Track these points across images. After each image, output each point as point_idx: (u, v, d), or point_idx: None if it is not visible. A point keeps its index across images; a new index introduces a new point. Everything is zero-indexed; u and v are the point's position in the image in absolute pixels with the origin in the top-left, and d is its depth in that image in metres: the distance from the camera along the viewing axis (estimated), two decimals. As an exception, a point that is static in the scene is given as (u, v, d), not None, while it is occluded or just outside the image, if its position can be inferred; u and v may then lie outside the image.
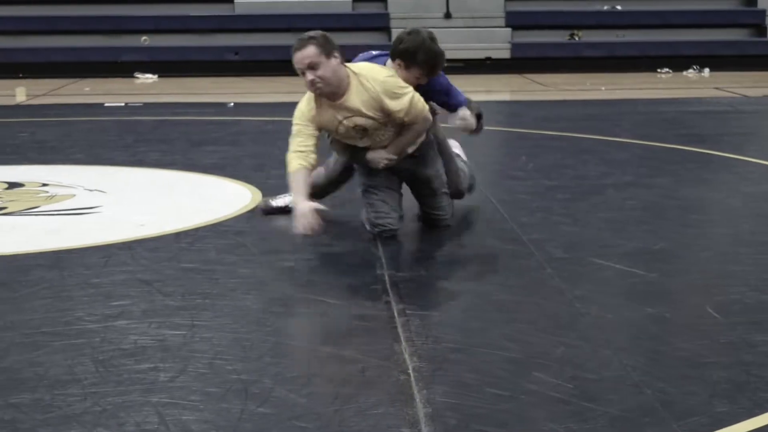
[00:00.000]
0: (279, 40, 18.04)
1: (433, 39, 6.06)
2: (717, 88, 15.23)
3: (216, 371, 3.98)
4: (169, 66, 17.51)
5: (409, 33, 6.01)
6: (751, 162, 8.67)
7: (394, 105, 5.73)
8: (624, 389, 3.83)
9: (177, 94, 14.99)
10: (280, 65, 17.50)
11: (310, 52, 5.58)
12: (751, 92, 14.57)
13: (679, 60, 18.06)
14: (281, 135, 10.41)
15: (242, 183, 7.78)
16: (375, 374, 4.04)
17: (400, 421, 3.53)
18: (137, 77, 17.25)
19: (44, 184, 7.79)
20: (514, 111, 13.18)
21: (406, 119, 5.79)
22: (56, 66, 17.37)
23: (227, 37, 18.31)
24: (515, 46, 18.39)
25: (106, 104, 13.29)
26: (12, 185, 7.80)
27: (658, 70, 17.90)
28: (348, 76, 5.72)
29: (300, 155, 5.80)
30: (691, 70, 17.86)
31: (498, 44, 18.45)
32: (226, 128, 11.06)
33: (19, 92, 14.40)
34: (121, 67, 17.45)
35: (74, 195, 7.41)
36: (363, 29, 18.64)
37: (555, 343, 4.29)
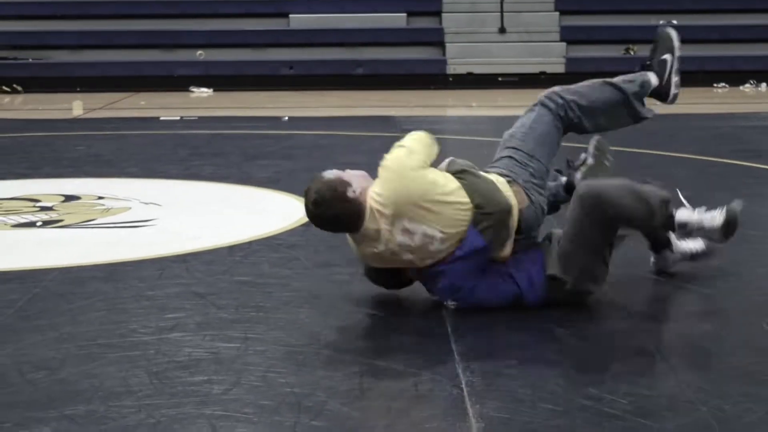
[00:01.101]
0: (333, 54, 18.12)
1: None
2: (775, 103, 15.09)
3: (269, 384, 4.00)
4: (223, 80, 17.62)
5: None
6: (810, 177, 8.58)
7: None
8: (679, 405, 3.80)
9: (231, 108, 15.06)
10: (333, 80, 17.64)
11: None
12: (810, 107, 14.43)
13: (735, 75, 17.90)
14: (335, 149, 10.49)
15: (296, 197, 7.80)
16: (428, 388, 4.03)
17: (453, 436, 3.53)
18: (192, 91, 17.37)
19: (100, 197, 7.86)
20: (569, 125, 13.12)
21: None
22: (112, 80, 17.53)
23: (282, 52, 18.39)
24: (570, 61, 18.32)
25: (162, 118, 13.39)
26: (68, 198, 7.88)
27: (715, 85, 17.76)
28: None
29: None
30: (748, 85, 17.70)
31: (553, 59, 18.39)
32: (280, 142, 11.10)
33: (76, 106, 14.55)
34: (177, 81, 17.57)
35: (129, 208, 7.47)
36: (417, 44, 18.65)
37: (610, 358, 4.27)
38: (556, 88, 5.16)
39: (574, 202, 4.65)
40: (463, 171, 4.73)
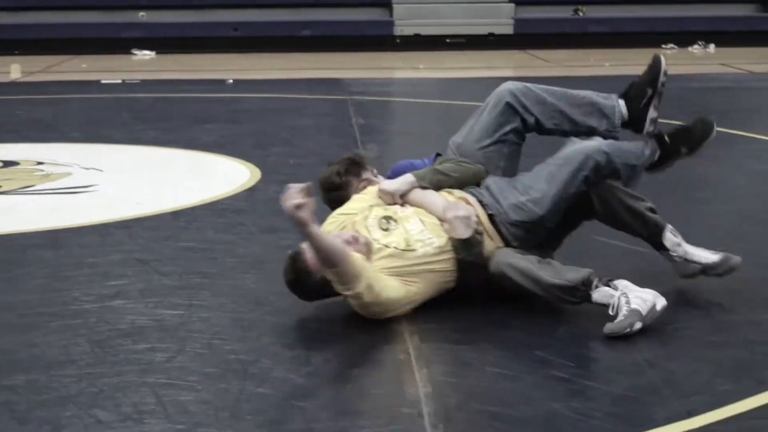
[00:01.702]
0: (279, 16, 17.99)
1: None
2: (722, 64, 15.19)
3: (214, 351, 3.98)
4: (167, 42, 17.44)
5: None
6: (757, 139, 8.66)
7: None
8: (627, 368, 3.83)
9: (175, 71, 14.94)
10: (279, 42, 17.53)
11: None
12: (757, 68, 14.53)
13: (684, 36, 17.98)
14: (281, 113, 10.45)
15: (242, 161, 7.77)
16: (375, 353, 4.05)
17: (400, 401, 3.53)
18: (135, 54, 17.20)
19: (40, 163, 7.78)
20: (517, 87, 13.14)
21: None
22: (52, 42, 17.30)
23: (226, 13, 18.24)
24: (518, 22, 18.32)
25: (103, 81, 13.25)
26: (7, 164, 7.79)
27: (663, 46, 17.83)
28: None
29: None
30: (696, 46, 17.80)
31: (501, 20, 18.37)
32: (226, 105, 11.03)
33: (14, 69, 14.35)
34: (119, 44, 17.39)
35: (70, 173, 7.40)
36: (364, 5, 18.57)
37: (557, 321, 4.29)
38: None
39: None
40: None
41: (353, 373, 3.81)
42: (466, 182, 4.70)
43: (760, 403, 3.50)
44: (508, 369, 3.84)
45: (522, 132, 4.86)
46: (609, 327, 4.06)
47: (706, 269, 4.53)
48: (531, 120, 4.82)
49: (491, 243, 4.50)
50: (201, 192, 6.75)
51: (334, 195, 4.87)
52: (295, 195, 3.98)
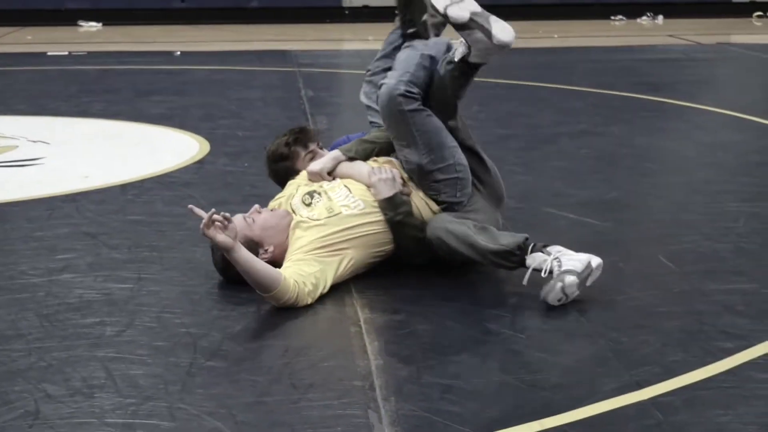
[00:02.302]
0: (226, -13, 17.89)
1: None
2: (671, 36, 15.28)
3: (164, 325, 3.97)
4: (113, 14, 17.31)
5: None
6: (705, 110, 8.72)
7: None
8: (577, 339, 3.86)
9: (122, 42, 14.83)
10: (227, 13, 17.43)
11: None
12: (705, 39, 14.63)
13: (632, 7, 18.08)
14: (229, 84, 10.40)
15: (190, 133, 7.73)
16: (326, 326, 4.05)
17: (351, 374, 3.54)
18: (81, 25, 17.04)
19: (-15, 136, 7.70)
20: (467, 59, 13.16)
21: None
22: (-3, 14, 17.12)
23: (173, -16, 18.12)
24: (468, -7, 18.30)
25: (49, 53, 13.13)
26: (-48, 137, 7.71)
27: (612, 17, 17.92)
28: None
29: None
30: (645, 17, 17.90)
31: (450, -9, 18.34)
32: (173, 78, 10.97)
33: (-42, 41, 14.20)
34: (65, 15, 17.23)
35: (16, 146, 7.34)
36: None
37: (507, 293, 4.31)
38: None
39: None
40: None
41: (304, 346, 3.81)
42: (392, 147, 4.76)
43: (709, 374, 3.54)
44: (458, 341, 3.85)
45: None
46: (543, 290, 4.08)
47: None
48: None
49: (421, 203, 4.57)
50: (149, 165, 6.71)
51: (281, 166, 4.90)
52: (212, 220, 3.98)
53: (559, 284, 4.07)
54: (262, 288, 4.07)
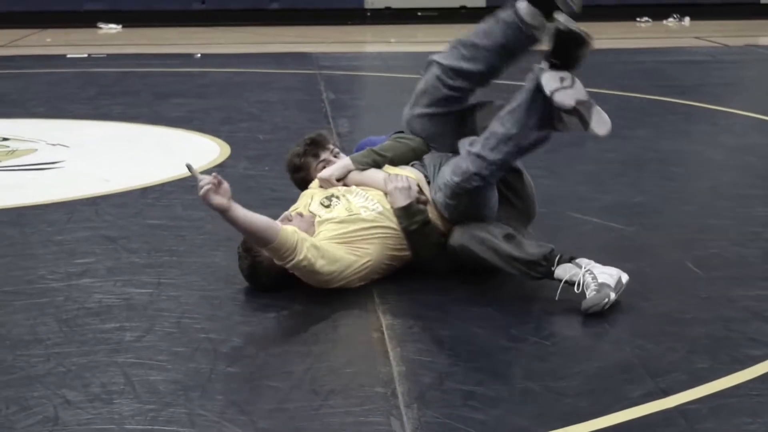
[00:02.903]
0: (247, -12, 17.92)
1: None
2: (697, 38, 15.23)
3: (184, 330, 3.98)
4: (133, 16, 17.36)
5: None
6: (732, 113, 8.69)
7: None
8: (602, 346, 3.85)
9: (142, 45, 14.87)
10: (247, 14, 17.46)
11: None
12: (732, 41, 14.58)
13: (659, 9, 18.03)
14: (249, 87, 10.41)
15: (210, 137, 7.75)
16: (348, 332, 4.05)
17: (373, 380, 3.54)
18: (100, 27, 17.11)
19: (4, 139, 7.73)
20: (490, 61, 13.16)
21: None
22: (16, 16, 17.18)
23: (193, -14, 18.17)
24: (491, -5, 18.32)
25: (69, 56, 13.18)
26: (-29, 140, 7.75)
27: (638, 19, 17.88)
28: None
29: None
30: (671, 19, 17.84)
31: (473, -8, 18.36)
32: (193, 80, 10.99)
33: (-22, 43, 14.27)
34: (84, 17, 17.29)
35: (36, 150, 7.36)
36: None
37: (531, 299, 4.31)
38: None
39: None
40: None
41: (325, 352, 3.81)
42: (405, 158, 4.77)
43: (736, 382, 3.53)
44: (481, 347, 3.85)
45: (450, 99, 4.73)
46: (586, 303, 4.07)
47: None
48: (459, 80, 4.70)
49: (435, 214, 4.55)
50: (169, 168, 6.72)
51: (297, 176, 4.98)
52: (206, 182, 4.02)
53: (605, 301, 4.05)
54: (262, 241, 4.10)
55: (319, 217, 4.46)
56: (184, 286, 4.48)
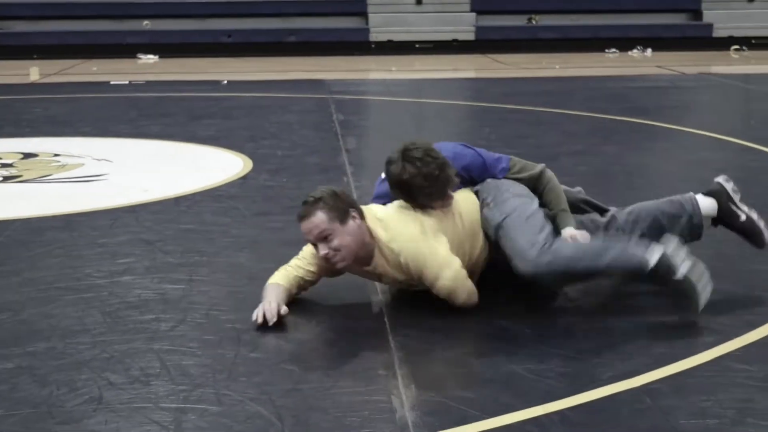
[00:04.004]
0: (268, 24, 17.94)
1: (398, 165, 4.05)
2: (658, 66, 15.22)
3: (212, 321, 3.97)
4: (169, 47, 17.39)
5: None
6: (688, 132, 8.68)
7: (430, 276, 3.95)
8: (576, 334, 3.84)
9: (176, 72, 14.88)
10: (269, 47, 17.49)
11: (318, 220, 3.88)
12: (689, 70, 14.57)
13: (625, 41, 18.04)
14: (271, 109, 10.41)
15: (235, 152, 7.74)
16: (355, 324, 4.03)
17: (376, 364, 3.53)
18: (140, 58, 17.12)
19: (56, 155, 7.73)
20: (479, 87, 13.16)
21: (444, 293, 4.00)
22: (67, 48, 17.21)
23: (222, 22, 18.18)
24: (479, 29, 18.33)
25: (112, 82, 13.19)
26: (27, 155, 7.74)
27: (606, 50, 17.87)
28: (371, 237, 3.99)
29: (285, 271, 4.16)
30: (635, 50, 17.84)
31: (464, 27, 18.38)
32: (221, 103, 10.99)
33: (33, 72, 14.27)
34: (126, 49, 17.31)
35: (83, 164, 7.36)
36: (343, 14, 18.53)
37: (516, 295, 4.29)
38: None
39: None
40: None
41: (335, 339, 3.80)
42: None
43: (693, 364, 3.51)
44: (472, 335, 3.84)
45: None
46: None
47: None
48: None
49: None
50: (200, 180, 6.72)
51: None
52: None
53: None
54: None
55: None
56: (213, 283, 4.47)
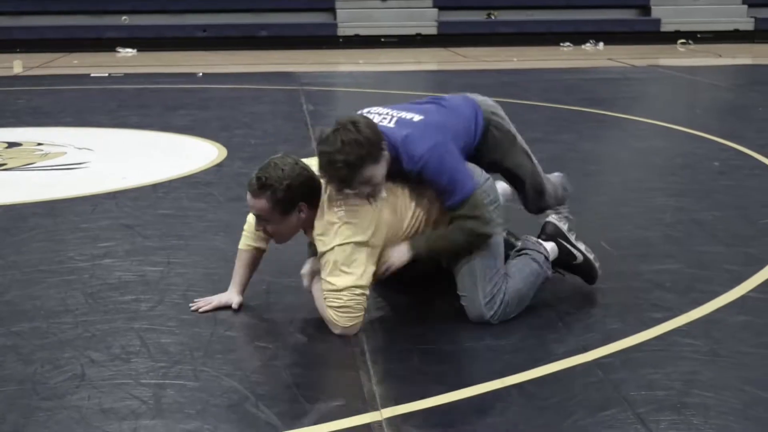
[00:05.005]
0: (242, 19, 17.84)
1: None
2: (610, 59, 15.27)
3: (189, 301, 3.96)
4: (146, 42, 17.25)
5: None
6: (639, 121, 8.73)
7: (324, 287, 3.66)
8: (533, 312, 3.86)
9: (153, 65, 14.77)
10: (242, 41, 17.40)
11: (260, 205, 3.66)
12: (638, 62, 14.63)
13: (578, 35, 18.08)
14: (244, 100, 10.37)
15: (210, 141, 7.71)
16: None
17: (347, 342, 3.54)
18: (119, 51, 16.98)
19: (39, 144, 7.67)
20: (441, 79, 13.16)
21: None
22: (48, 42, 17.05)
23: (197, 17, 18.06)
24: (441, 24, 18.31)
25: (92, 75, 13.08)
26: (11, 144, 7.67)
27: (561, 44, 17.92)
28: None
29: (248, 236, 4.00)
30: (588, 44, 17.89)
31: (427, 22, 18.36)
32: (196, 95, 10.93)
33: (17, 65, 14.12)
34: (105, 43, 17.17)
35: (65, 153, 7.31)
36: (312, 10, 18.46)
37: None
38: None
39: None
40: None
41: (307, 318, 3.80)
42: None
43: (642, 340, 3.55)
44: (435, 314, 3.85)
45: None
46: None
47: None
48: None
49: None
50: (177, 167, 6.69)
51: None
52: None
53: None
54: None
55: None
56: (190, 265, 4.46)
